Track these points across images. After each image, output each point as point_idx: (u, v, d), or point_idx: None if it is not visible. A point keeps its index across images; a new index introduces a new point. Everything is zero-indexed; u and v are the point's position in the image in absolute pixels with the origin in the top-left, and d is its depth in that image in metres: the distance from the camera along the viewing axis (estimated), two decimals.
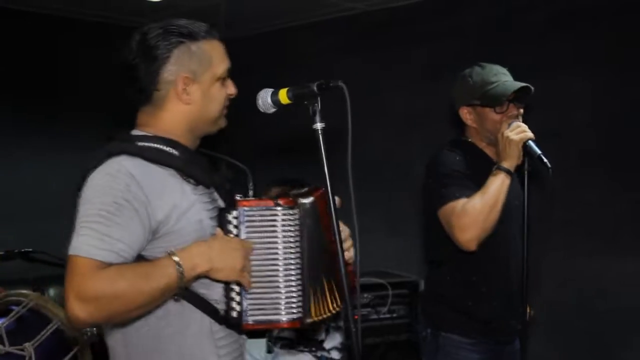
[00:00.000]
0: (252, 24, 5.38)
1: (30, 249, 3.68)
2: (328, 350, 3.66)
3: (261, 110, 1.88)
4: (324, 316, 1.83)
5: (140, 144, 1.72)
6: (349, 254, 1.89)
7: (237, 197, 1.79)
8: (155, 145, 1.73)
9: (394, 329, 4.18)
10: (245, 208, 1.75)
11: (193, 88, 1.77)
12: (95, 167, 1.68)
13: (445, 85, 2.84)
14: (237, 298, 1.75)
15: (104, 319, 1.59)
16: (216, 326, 1.77)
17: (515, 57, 2.78)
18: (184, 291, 1.69)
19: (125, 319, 1.66)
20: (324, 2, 4.89)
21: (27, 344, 2.88)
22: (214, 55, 1.80)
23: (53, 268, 3.76)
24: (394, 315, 4.22)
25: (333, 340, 3.70)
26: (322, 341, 3.68)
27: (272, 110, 1.88)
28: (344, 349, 3.68)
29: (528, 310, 2.61)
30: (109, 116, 5.01)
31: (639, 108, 3.82)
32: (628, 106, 3.84)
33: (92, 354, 3.11)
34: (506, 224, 2.60)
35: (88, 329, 3.10)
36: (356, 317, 1.77)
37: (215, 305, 1.76)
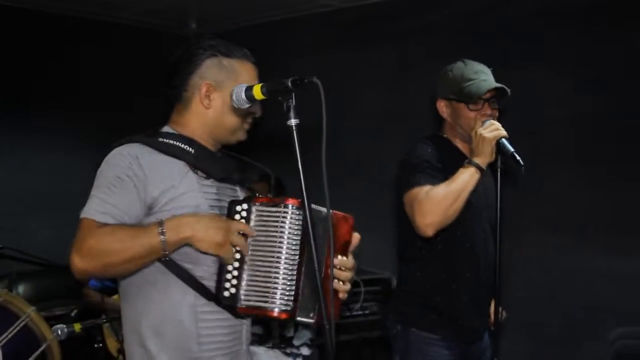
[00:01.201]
0: (225, 20, 5.35)
1: (0, 246, 3.62)
2: (297, 347, 3.65)
3: (235, 105, 1.88)
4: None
5: (160, 139, 1.98)
6: (345, 287, 1.99)
7: (257, 195, 1.98)
8: (173, 141, 1.98)
9: (366, 326, 4.19)
10: (258, 203, 1.92)
11: (215, 95, 2.01)
12: (112, 149, 1.96)
13: (420, 82, 2.85)
14: (233, 280, 1.88)
15: (98, 269, 1.84)
16: (201, 300, 1.94)
17: (487, 55, 2.79)
18: (169, 262, 1.90)
19: (118, 272, 1.93)
20: None
21: None
22: (242, 73, 2.03)
23: (23, 265, 3.71)
24: (367, 312, 4.23)
25: (302, 337, 3.69)
26: (291, 338, 3.67)
27: (246, 105, 1.87)
28: (314, 345, 3.67)
29: (500, 311, 2.62)
30: (86, 115, 4.98)
31: (609, 106, 3.87)
32: (599, 104, 3.89)
33: (60, 351, 3.08)
34: (477, 222, 2.62)
35: (58, 327, 3.08)
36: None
37: (201, 281, 1.92)
